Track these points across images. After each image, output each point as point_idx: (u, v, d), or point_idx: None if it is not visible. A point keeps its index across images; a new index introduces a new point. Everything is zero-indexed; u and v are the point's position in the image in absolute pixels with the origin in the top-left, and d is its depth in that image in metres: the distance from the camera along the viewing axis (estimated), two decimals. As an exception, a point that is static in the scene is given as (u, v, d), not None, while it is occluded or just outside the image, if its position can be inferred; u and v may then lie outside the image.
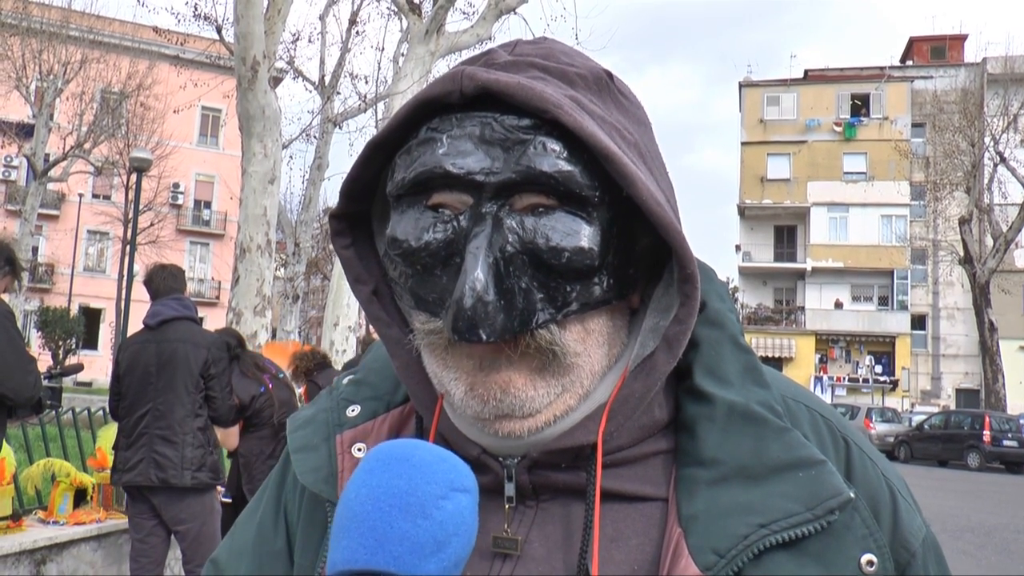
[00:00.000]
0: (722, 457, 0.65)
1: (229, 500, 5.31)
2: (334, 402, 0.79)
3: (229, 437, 4.74)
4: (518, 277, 0.62)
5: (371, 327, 3.77)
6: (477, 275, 0.59)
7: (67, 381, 21.78)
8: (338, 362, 11.80)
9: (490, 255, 0.61)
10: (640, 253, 0.68)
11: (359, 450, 0.73)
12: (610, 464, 0.68)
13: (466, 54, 12.67)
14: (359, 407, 0.77)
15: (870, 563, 0.62)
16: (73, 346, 30.41)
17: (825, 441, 0.69)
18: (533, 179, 0.61)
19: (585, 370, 0.66)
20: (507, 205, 0.63)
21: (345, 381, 0.82)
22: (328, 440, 0.75)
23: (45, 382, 3.88)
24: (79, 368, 5.22)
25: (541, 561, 0.66)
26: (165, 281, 4.33)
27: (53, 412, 5.97)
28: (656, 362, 0.66)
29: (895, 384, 37.16)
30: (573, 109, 0.62)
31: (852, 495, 0.63)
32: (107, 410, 6.40)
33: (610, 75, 0.71)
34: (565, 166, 0.61)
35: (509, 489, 0.68)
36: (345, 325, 11.73)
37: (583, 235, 0.63)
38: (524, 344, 0.63)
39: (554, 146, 0.61)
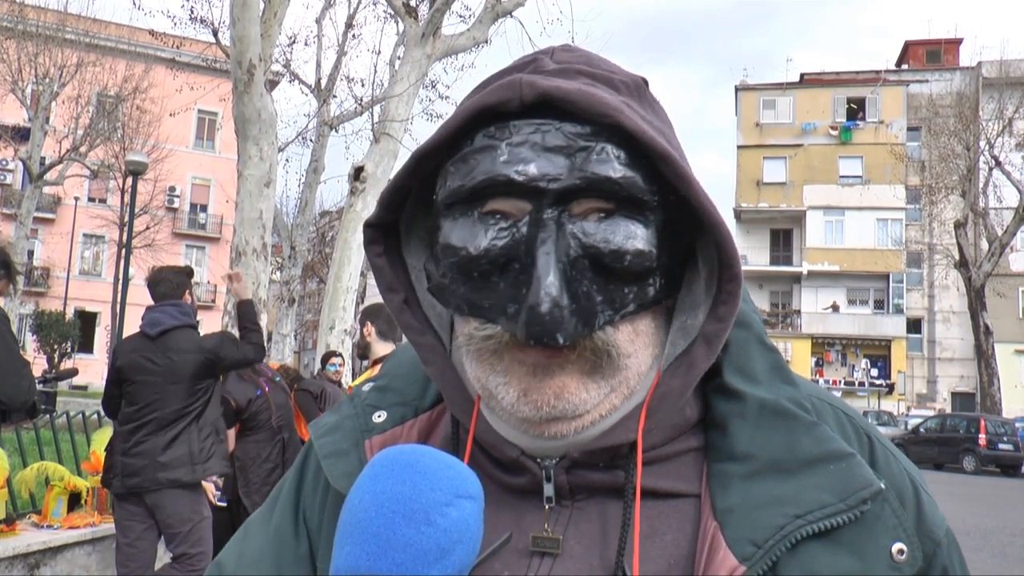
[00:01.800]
0: (755, 452, 0.67)
1: (225, 504, 5.28)
2: (358, 408, 0.79)
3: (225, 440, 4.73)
4: (580, 281, 0.63)
5: (364, 331, 3.77)
6: (551, 280, 0.60)
7: (62, 385, 21.73)
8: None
9: (558, 261, 0.62)
10: (683, 252, 0.69)
11: None
12: (644, 462, 0.69)
13: (462, 57, 12.68)
14: (385, 413, 0.78)
15: (901, 552, 0.64)
16: (68, 350, 30.30)
17: (850, 437, 0.71)
18: (597, 185, 0.63)
19: (633, 370, 0.68)
20: (567, 211, 0.64)
21: (367, 388, 0.83)
22: (358, 446, 0.76)
23: (40, 387, 3.86)
24: (74, 372, 5.20)
25: (579, 559, 0.67)
26: (159, 287, 4.34)
27: (47, 416, 5.95)
28: (695, 359, 0.68)
29: (891, 387, 37.22)
30: (632, 114, 0.64)
31: (883, 486, 0.64)
32: (101, 413, 6.40)
33: (646, 82, 0.73)
34: (628, 171, 0.63)
35: (548, 490, 0.69)
36: (341, 328, 11.70)
37: (642, 238, 0.64)
38: (582, 346, 0.64)
39: (616, 152, 0.63)
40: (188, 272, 4.58)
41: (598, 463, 0.69)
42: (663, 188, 0.65)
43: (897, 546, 0.64)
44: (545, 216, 0.63)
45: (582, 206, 0.64)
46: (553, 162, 0.63)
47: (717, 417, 0.70)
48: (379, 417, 0.77)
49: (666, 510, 0.68)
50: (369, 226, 0.75)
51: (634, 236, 0.64)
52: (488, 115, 0.66)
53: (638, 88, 0.71)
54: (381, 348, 4.32)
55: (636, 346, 0.67)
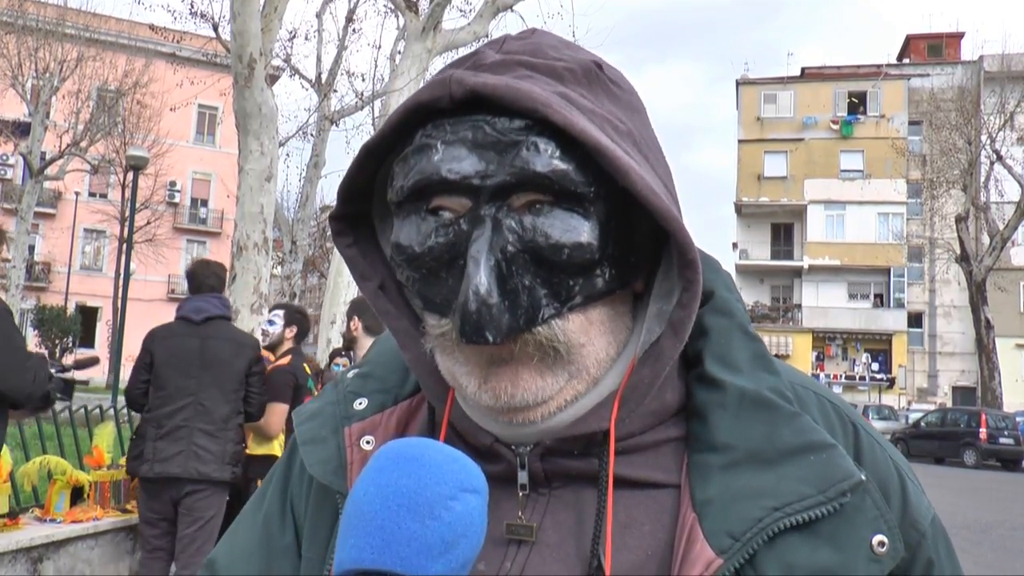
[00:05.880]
0: (734, 442, 0.66)
1: (226, 497, 5.28)
2: (340, 395, 0.79)
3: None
4: (521, 275, 0.63)
5: (351, 325, 3.80)
6: (480, 279, 0.60)
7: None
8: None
9: (491, 257, 0.61)
10: (641, 240, 0.68)
11: (367, 442, 0.74)
12: (622, 451, 0.68)
13: (463, 51, 12.64)
14: (366, 400, 0.78)
15: (881, 544, 0.63)
16: (70, 344, 30.34)
17: (834, 426, 0.70)
18: (528, 180, 0.62)
19: (590, 358, 0.66)
20: (505, 206, 0.63)
21: (351, 375, 0.82)
22: (336, 433, 0.75)
23: (59, 375, 3.85)
24: (95, 361, 5.09)
25: (554, 547, 0.67)
26: (207, 279, 4.42)
27: (49, 410, 5.95)
28: (663, 348, 0.67)
29: (892, 382, 37.21)
30: (562, 106, 0.62)
31: (863, 477, 0.64)
32: (103, 407, 6.40)
33: (599, 65, 0.71)
34: (559, 164, 0.62)
35: (522, 477, 0.69)
36: (342, 323, 11.71)
37: (581, 230, 0.63)
38: (523, 341, 0.63)
39: (546, 145, 0.62)
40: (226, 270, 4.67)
41: (572, 450, 0.68)
42: (608, 177, 0.63)
43: (878, 538, 0.63)
44: (483, 212, 0.62)
45: (520, 200, 0.63)
46: (485, 158, 0.62)
47: (698, 406, 0.69)
48: (360, 404, 0.77)
49: (644, 500, 0.67)
50: (334, 219, 0.74)
51: (573, 229, 0.63)
52: (427, 111, 0.65)
53: (587, 74, 0.68)
54: (367, 343, 4.28)
55: (590, 335, 0.65)
